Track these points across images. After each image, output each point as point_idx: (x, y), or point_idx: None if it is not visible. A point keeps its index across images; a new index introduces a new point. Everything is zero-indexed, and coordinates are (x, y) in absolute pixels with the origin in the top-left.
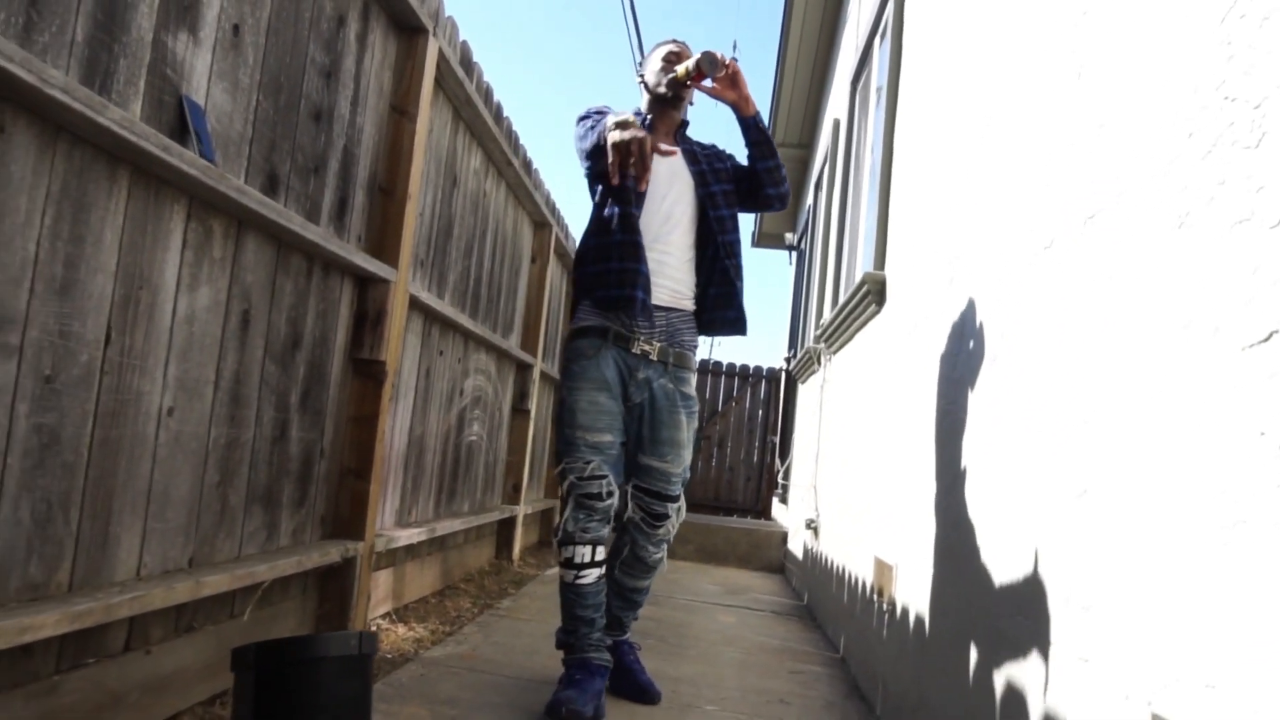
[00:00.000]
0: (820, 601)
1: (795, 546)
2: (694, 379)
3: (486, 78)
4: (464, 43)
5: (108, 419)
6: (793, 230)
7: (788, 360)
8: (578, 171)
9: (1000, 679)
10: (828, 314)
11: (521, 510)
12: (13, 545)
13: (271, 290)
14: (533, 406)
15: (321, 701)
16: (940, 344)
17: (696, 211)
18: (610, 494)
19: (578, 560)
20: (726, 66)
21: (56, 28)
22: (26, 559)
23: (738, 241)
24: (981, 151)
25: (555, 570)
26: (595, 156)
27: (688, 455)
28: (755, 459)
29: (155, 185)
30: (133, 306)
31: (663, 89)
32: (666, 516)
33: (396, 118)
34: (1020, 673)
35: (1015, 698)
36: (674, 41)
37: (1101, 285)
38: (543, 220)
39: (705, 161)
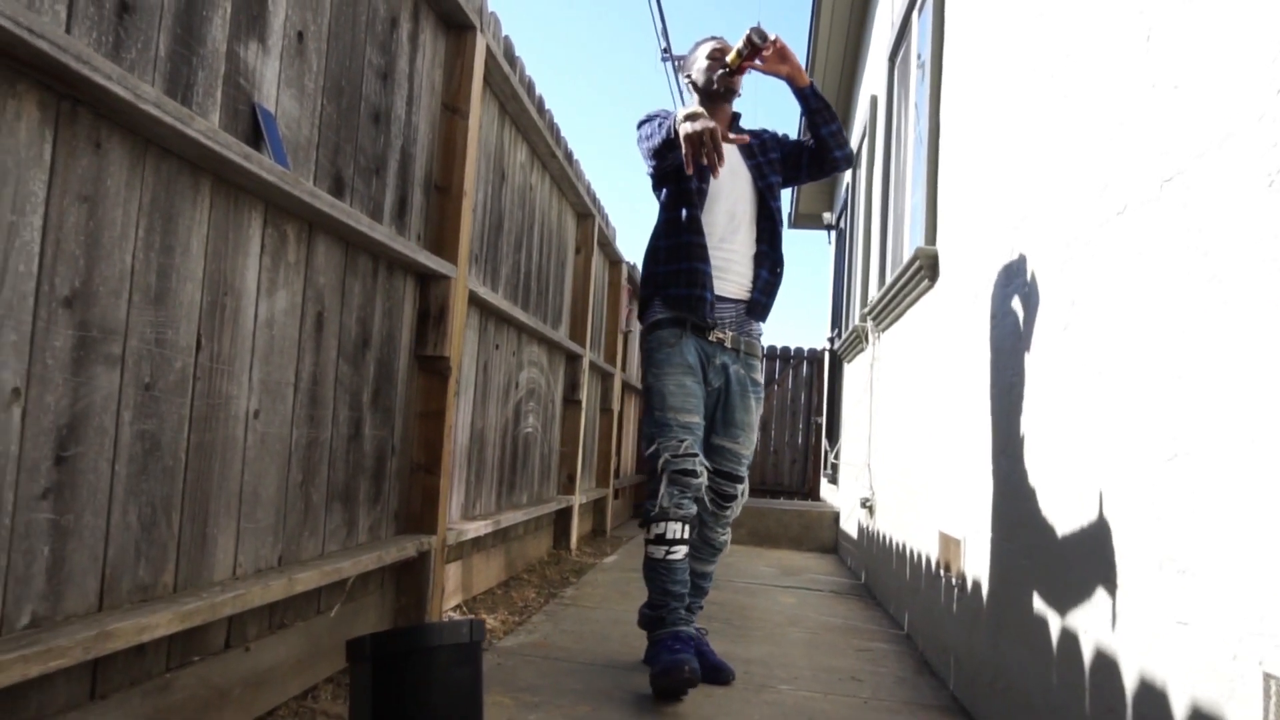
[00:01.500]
0: (880, 580)
1: (849, 526)
2: (761, 366)
3: (528, 72)
4: (506, 37)
5: (201, 423)
6: (830, 209)
7: (831, 340)
8: (608, 162)
9: (1088, 646)
10: (875, 292)
11: (577, 500)
12: (123, 549)
13: (342, 291)
14: (583, 397)
15: (436, 688)
16: (1002, 315)
17: (757, 204)
18: (701, 472)
19: (670, 536)
20: (774, 42)
21: (142, 44)
22: (135, 562)
23: (780, 234)
24: (1040, 119)
25: (614, 558)
26: (664, 153)
27: (755, 436)
28: (800, 441)
29: (234, 193)
30: (219, 312)
31: (715, 86)
32: (735, 497)
33: (449, 115)
34: (1111, 639)
35: (1106, 664)
36: (714, 39)
37: (1185, 246)
38: (585, 211)
39: (760, 153)
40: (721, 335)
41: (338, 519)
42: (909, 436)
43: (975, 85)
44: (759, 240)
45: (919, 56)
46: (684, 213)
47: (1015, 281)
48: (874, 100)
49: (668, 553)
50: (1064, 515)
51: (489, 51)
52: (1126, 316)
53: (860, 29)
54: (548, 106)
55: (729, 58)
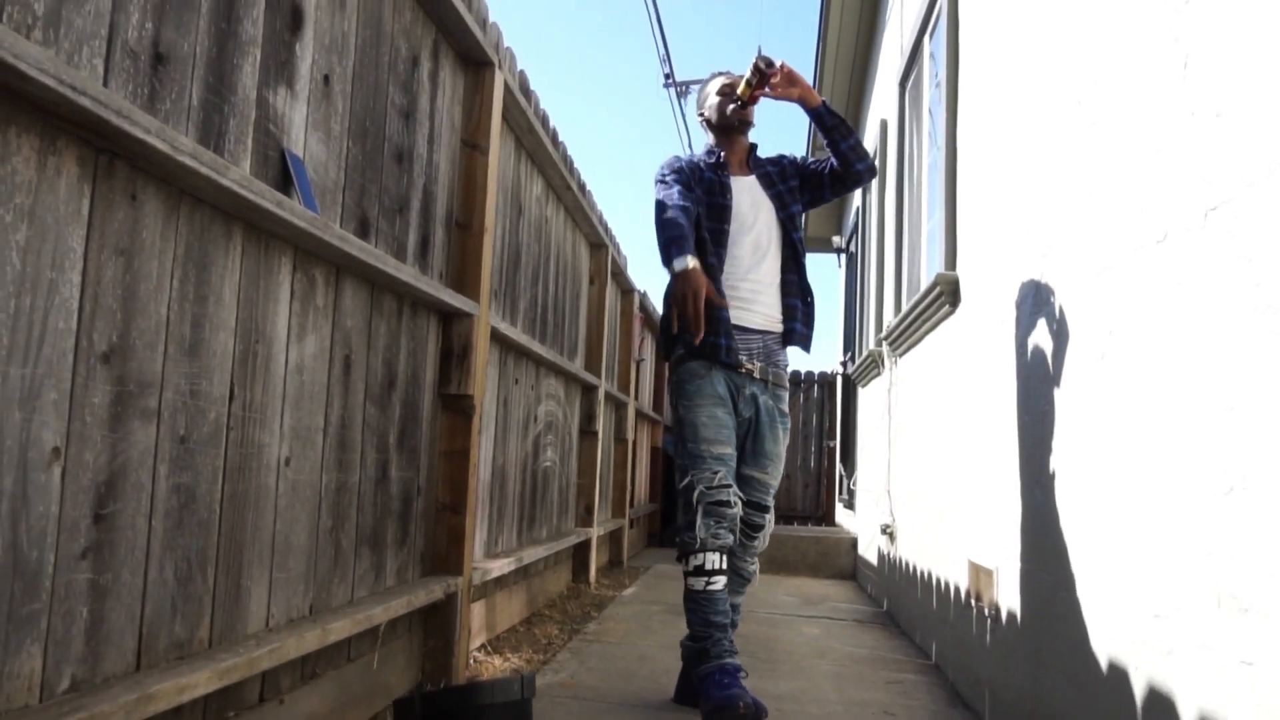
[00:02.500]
0: (903, 607)
1: (869, 553)
2: (787, 396)
3: (543, 105)
4: (521, 72)
5: (235, 474)
6: (839, 233)
7: (845, 364)
8: (615, 185)
9: (1140, 682)
10: (891, 316)
11: (595, 532)
12: (160, 606)
13: (368, 333)
14: (599, 428)
15: None
16: (1030, 342)
17: (781, 234)
18: (736, 503)
19: (709, 566)
20: (780, 67)
21: (176, 94)
22: (172, 619)
23: (804, 264)
24: (1065, 146)
25: (632, 590)
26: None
27: (782, 466)
28: (813, 465)
29: (265, 239)
30: (251, 360)
31: (730, 118)
32: (762, 526)
33: (469, 152)
34: (1165, 676)
35: (1161, 701)
36: (722, 74)
37: (1234, 276)
38: (599, 241)
39: (780, 181)
40: (750, 366)
41: (366, 563)
42: (932, 463)
43: (994, 111)
44: (785, 270)
45: (933, 81)
46: (708, 261)
47: (1044, 309)
48: (884, 124)
49: (708, 583)
50: (1107, 548)
51: (506, 87)
52: (1170, 346)
53: (867, 54)
54: (561, 139)
55: (739, 90)
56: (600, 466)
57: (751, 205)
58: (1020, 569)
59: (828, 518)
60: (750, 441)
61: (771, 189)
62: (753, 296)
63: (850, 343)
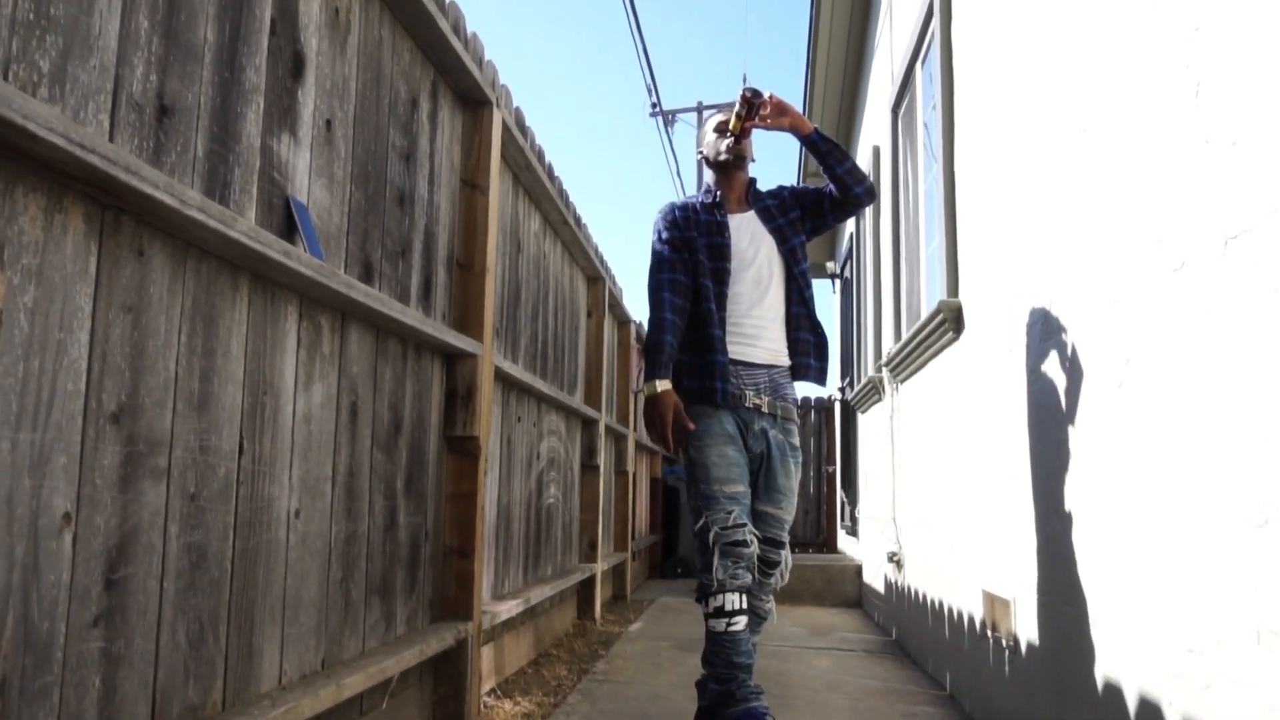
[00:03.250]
0: (913, 636)
1: (875, 580)
2: (797, 430)
3: (539, 140)
4: (517, 109)
5: (245, 529)
6: (833, 259)
7: (843, 390)
8: (611, 216)
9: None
10: (890, 342)
11: (599, 568)
12: (172, 670)
13: (374, 378)
14: (601, 462)
15: None
16: (1042, 370)
17: (784, 268)
18: (752, 541)
19: (729, 608)
20: (769, 98)
21: (181, 146)
22: (185, 683)
23: (811, 296)
24: (1070, 173)
25: (638, 625)
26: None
27: (795, 501)
28: (812, 491)
29: (271, 289)
30: (259, 413)
31: (724, 156)
32: (778, 563)
33: (469, 191)
34: (1202, 714)
35: None
36: (722, 112)
37: (1260, 305)
38: (595, 274)
39: (780, 215)
40: (758, 401)
41: (377, 613)
42: (940, 491)
43: (991, 137)
44: (790, 303)
45: (927, 107)
46: (706, 307)
47: (1055, 336)
48: (876, 150)
49: (729, 624)
50: (1135, 581)
51: (504, 125)
52: (1195, 376)
53: (856, 81)
54: (557, 173)
55: (730, 125)
56: (603, 501)
57: (751, 241)
58: (1039, 600)
59: (829, 543)
60: (763, 477)
61: (771, 223)
62: (756, 332)
63: (848, 368)
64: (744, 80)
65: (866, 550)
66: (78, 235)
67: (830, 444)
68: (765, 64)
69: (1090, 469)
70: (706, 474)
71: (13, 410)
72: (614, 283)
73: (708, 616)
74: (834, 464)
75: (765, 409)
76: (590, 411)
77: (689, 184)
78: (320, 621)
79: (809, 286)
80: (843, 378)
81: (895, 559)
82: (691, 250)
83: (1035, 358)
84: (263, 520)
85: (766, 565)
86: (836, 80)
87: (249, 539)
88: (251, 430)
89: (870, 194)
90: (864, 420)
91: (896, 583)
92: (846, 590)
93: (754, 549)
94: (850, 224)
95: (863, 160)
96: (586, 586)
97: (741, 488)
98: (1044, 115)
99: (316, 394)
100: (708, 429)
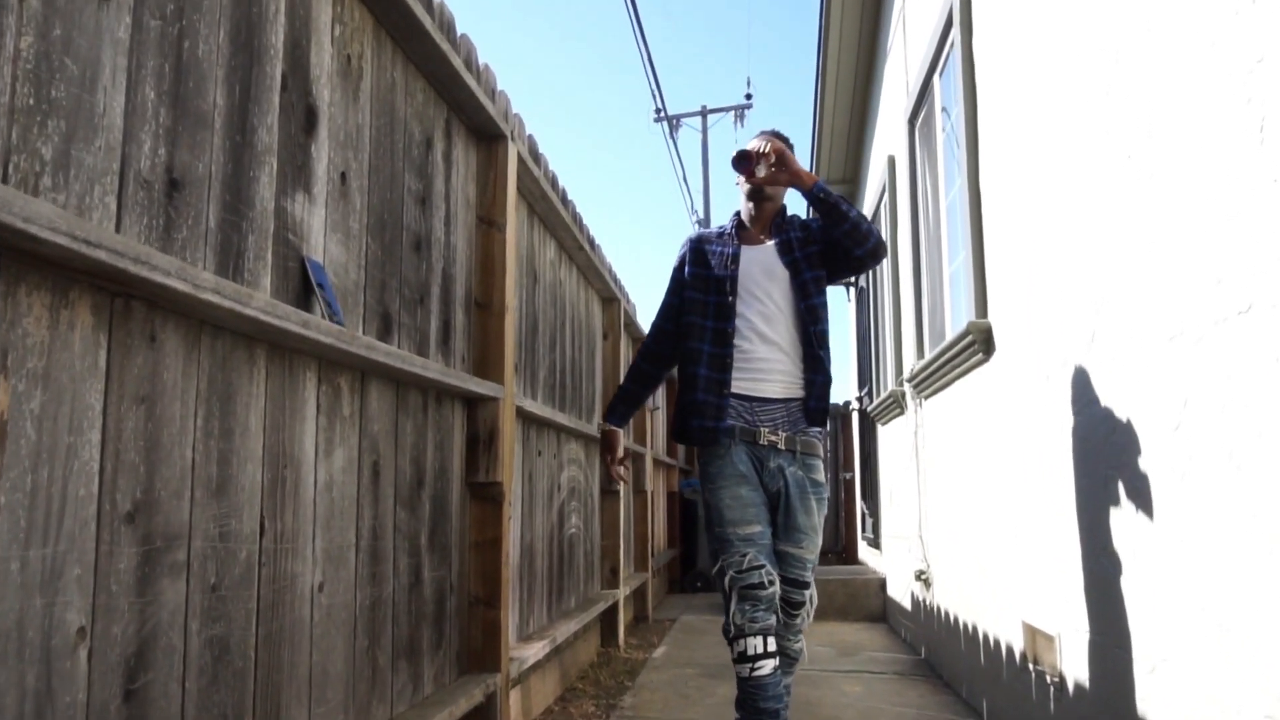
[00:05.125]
0: (946, 659)
1: (901, 596)
2: (822, 466)
3: (553, 167)
4: (530, 137)
5: (268, 613)
6: None
7: (860, 400)
8: (608, 223)
9: None
10: (912, 357)
11: (622, 593)
12: None
13: (395, 434)
14: (620, 487)
15: None
16: (1086, 402)
17: (795, 301)
18: (772, 582)
19: (751, 652)
20: (764, 156)
21: (193, 219)
22: None
23: (827, 331)
24: (1114, 200)
25: (662, 650)
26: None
27: (819, 540)
28: (829, 496)
29: (289, 356)
30: (280, 488)
31: (745, 189)
32: (803, 604)
33: (485, 229)
34: None
35: None
36: (759, 137)
37: None
38: (610, 295)
39: (800, 248)
40: (774, 437)
41: (404, 676)
42: (972, 513)
43: (1020, 156)
44: (803, 340)
45: (947, 121)
46: (705, 349)
47: (1099, 369)
48: (891, 160)
49: (753, 669)
50: (1205, 631)
51: (520, 159)
52: (1264, 429)
53: (866, 88)
54: (570, 197)
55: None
56: (623, 524)
57: (764, 273)
58: (1090, 640)
59: (848, 552)
60: (781, 516)
61: (788, 255)
62: (768, 366)
63: (866, 379)
64: (748, 83)
65: (890, 564)
66: (86, 329)
67: (849, 450)
68: (771, 66)
69: (1144, 512)
70: (720, 517)
71: (21, 527)
72: (628, 301)
73: (734, 662)
74: (852, 471)
75: (782, 445)
76: None
77: (695, 190)
78: (348, 694)
79: (818, 322)
80: (860, 387)
81: (923, 577)
82: (694, 288)
83: (1078, 389)
84: (286, 600)
85: (790, 606)
86: (847, 88)
87: (272, 623)
88: (272, 508)
89: (874, 256)
90: (884, 432)
91: (925, 601)
92: (871, 605)
93: (773, 590)
94: None
95: (876, 168)
96: (610, 614)
97: (758, 528)
98: (1081, 138)
99: (338, 459)
100: (720, 470)
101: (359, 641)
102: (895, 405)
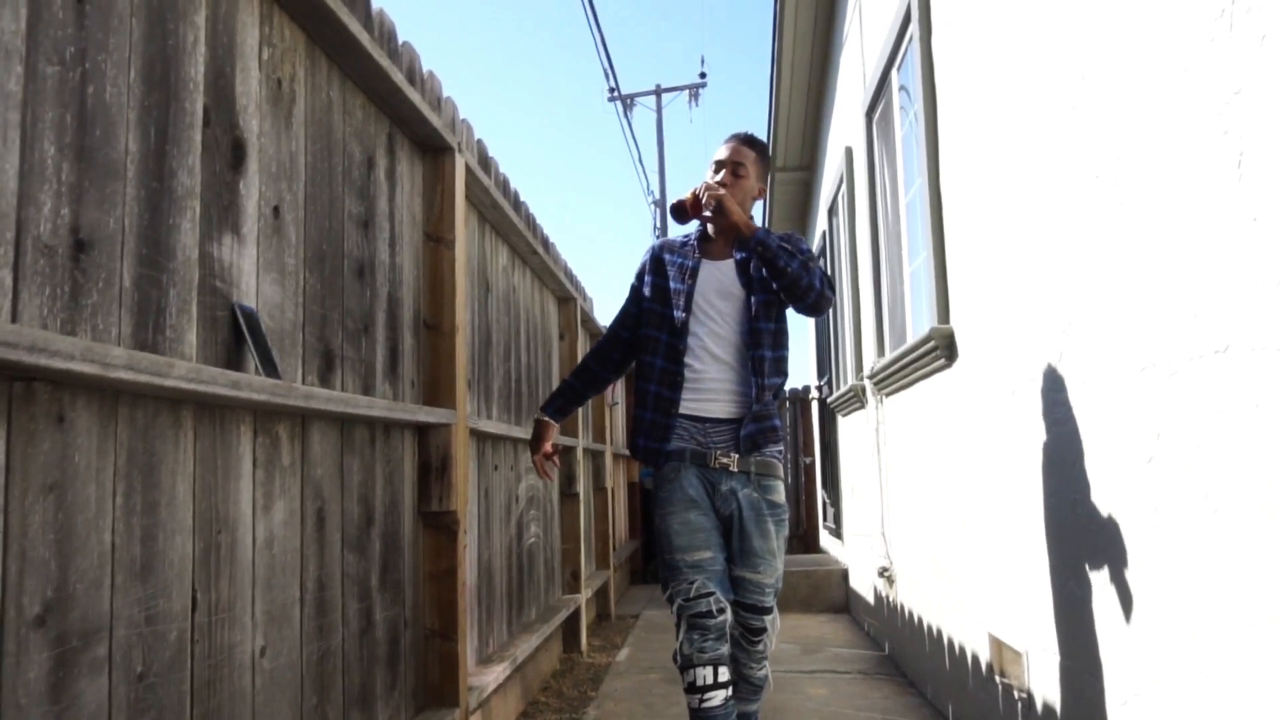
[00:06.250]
0: (910, 658)
1: (864, 589)
2: (781, 486)
3: (503, 170)
4: (480, 141)
5: (204, 691)
6: None
7: (820, 389)
8: (558, 209)
9: None
10: (873, 354)
11: (584, 597)
12: None
13: (341, 475)
14: (580, 488)
15: None
16: (1054, 422)
17: (750, 323)
18: (721, 610)
19: (700, 683)
20: (698, 207)
21: (104, 281)
22: None
23: (768, 359)
24: (1080, 220)
25: (625, 653)
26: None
27: (780, 564)
28: (790, 481)
29: (219, 414)
30: (214, 555)
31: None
32: (763, 629)
33: (433, 247)
34: None
35: None
36: (730, 142)
37: None
38: (566, 295)
39: (758, 268)
40: (725, 460)
41: None
42: (935, 518)
43: (983, 162)
44: (754, 362)
45: (905, 119)
46: (658, 363)
47: (1068, 391)
48: (849, 151)
49: (702, 701)
50: (1180, 673)
51: (468, 169)
52: (1241, 472)
53: (823, 75)
54: (523, 199)
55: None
56: (583, 526)
57: (719, 292)
58: (1061, 663)
59: (809, 537)
60: (736, 540)
61: (745, 275)
62: (718, 387)
63: (825, 368)
64: (702, 62)
65: (853, 556)
66: None
67: (808, 435)
68: (726, 44)
69: (1116, 544)
70: (669, 543)
71: None
72: (584, 298)
73: (685, 691)
74: (812, 456)
75: (734, 467)
76: (568, 440)
77: (650, 170)
78: None
79: (760, 349)
80: (820, 376)
81: (886, 574)
82: (653, 299)
83: (1046, 408)
84: (224, 674)
85: (750, 633)
86: (803, 74)
87: (209, 701)
88: (205, 579)
89: (814, 309)
90: (844, 423)
91: (889, 598)
92: (833, 596)
93: (724, 618)
94: (822, 222)
95: (834, 159)
96: (572, 619)
97: (708, 553)
98: (1045, 152)
99: (278, 513)
100: (669, 495)
101: (306, 701)
102: (855, 399)
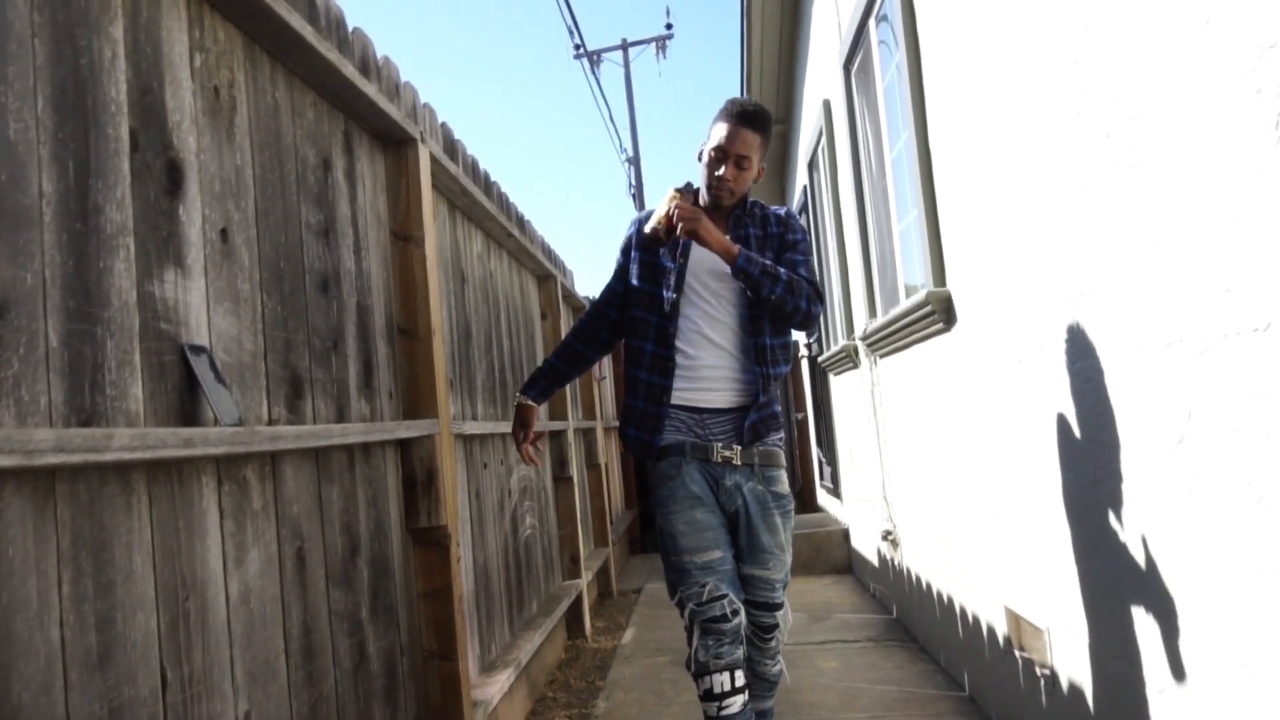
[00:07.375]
0: (919, 623)
1: (866, 551)
2: (784, 475)
3: (472, 151)
4: (444, 125)
5: None
6: (782, 205)
7: (809, 346)
8: (530, 175)
9: None
10: (863, 314)
11: (584, 580)
12: None
13: (320, 508)
14: (574, 471)
15: None
16: (1067, 394)
17: (748, 308)
18: (735, 612)
19: (717, 690)
20: (670, 231)
21: (25, 346)
22: None
23: (772, 346)
24: (1088, 180)
25: (630, 635)
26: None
27: (788, 558)
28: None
29: (176, 469)
30: (182, 625)
31: (704, 176)
32: (775, 626)
33: (402, 246)
34: None
35: None
36: (725, 124)
37: None
38: (545, 273)
39: (755, 250)
40: (727, 453)
41: None
42: (941, 487)
43: (975, 120)
44: (758, 351)
45: (889, 73)
46: (648, 348)
47: (1083, 362)
48: (827, 104)
49: (720, 709)
50: (1225, 666)
51: (434, 159)
52: None
53: (794, 25)
54: (494, 179)
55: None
56: (579, 507)
57: (712, 271)
58: (1088, 644)
59: (806, 494)
60: (743, 537)
61: None
62: (715, 374)
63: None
64: (668, 13)
65: (852, 514)
66: None
67: (799, 392)
68: (701, 10)
69: (1145, 526)
70: (675, 544)
71: None
72: (564, 274)
73: (700, 699)
74: (804, 412)
75: (738, 460)
76: (558, 424)
77: (622, 128)
78: None
79: (774, 334)
80: (809, 334)
81: (890, 538)
82: (641, 277)
83: (1058, 380)
84: None
85: (762, 630)
86: (774, 23)
87: None
88: (175, 652)
89: (803, 328)
90: (837, 382)
91: (894, 561)
92: (835, 557)
93: (738, 620)
94: (802, 176)
95: (811, 113)
96: (575, 605)
97: (718, 553)
98: (1047, 111)
99: (253, 563)
100: (671, 493)
101: None
102: (848, 359)
